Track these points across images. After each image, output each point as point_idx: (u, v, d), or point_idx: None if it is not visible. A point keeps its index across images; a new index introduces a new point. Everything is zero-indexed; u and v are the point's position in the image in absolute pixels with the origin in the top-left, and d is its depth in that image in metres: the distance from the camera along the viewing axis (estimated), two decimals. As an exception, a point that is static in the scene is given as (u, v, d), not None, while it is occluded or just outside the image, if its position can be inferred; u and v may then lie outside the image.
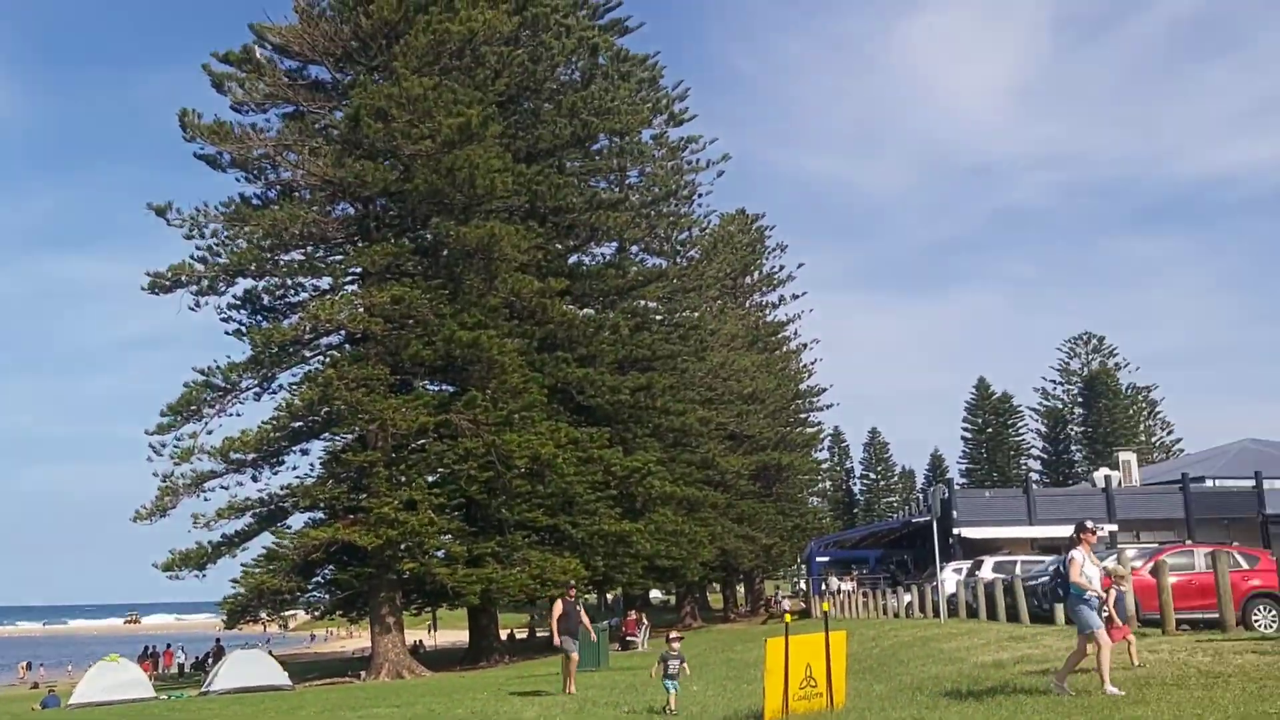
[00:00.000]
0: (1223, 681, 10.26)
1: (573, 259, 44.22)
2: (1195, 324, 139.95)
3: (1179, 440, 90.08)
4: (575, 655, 18.50)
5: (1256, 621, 19.42)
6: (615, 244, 46.60)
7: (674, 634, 14.02)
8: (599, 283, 43.05)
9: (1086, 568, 10.71)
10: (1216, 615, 15.77)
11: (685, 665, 13.95)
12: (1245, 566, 20.77)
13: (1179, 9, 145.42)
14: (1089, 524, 11.14)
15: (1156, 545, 27.42)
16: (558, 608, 18.76)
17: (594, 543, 36.48)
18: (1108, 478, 51.21)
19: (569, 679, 18.29)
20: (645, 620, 37.89)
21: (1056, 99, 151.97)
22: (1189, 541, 32.38)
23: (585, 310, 42.80)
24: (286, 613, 38.17)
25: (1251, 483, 46.20)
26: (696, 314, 50.06)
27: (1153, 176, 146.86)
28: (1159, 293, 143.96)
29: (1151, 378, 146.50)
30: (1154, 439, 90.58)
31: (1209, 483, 48.07)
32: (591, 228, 42.21)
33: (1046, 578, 22.03)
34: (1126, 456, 56.87)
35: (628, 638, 35.04)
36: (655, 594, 71.48)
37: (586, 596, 48.76)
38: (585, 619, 19.29)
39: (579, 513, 36.44)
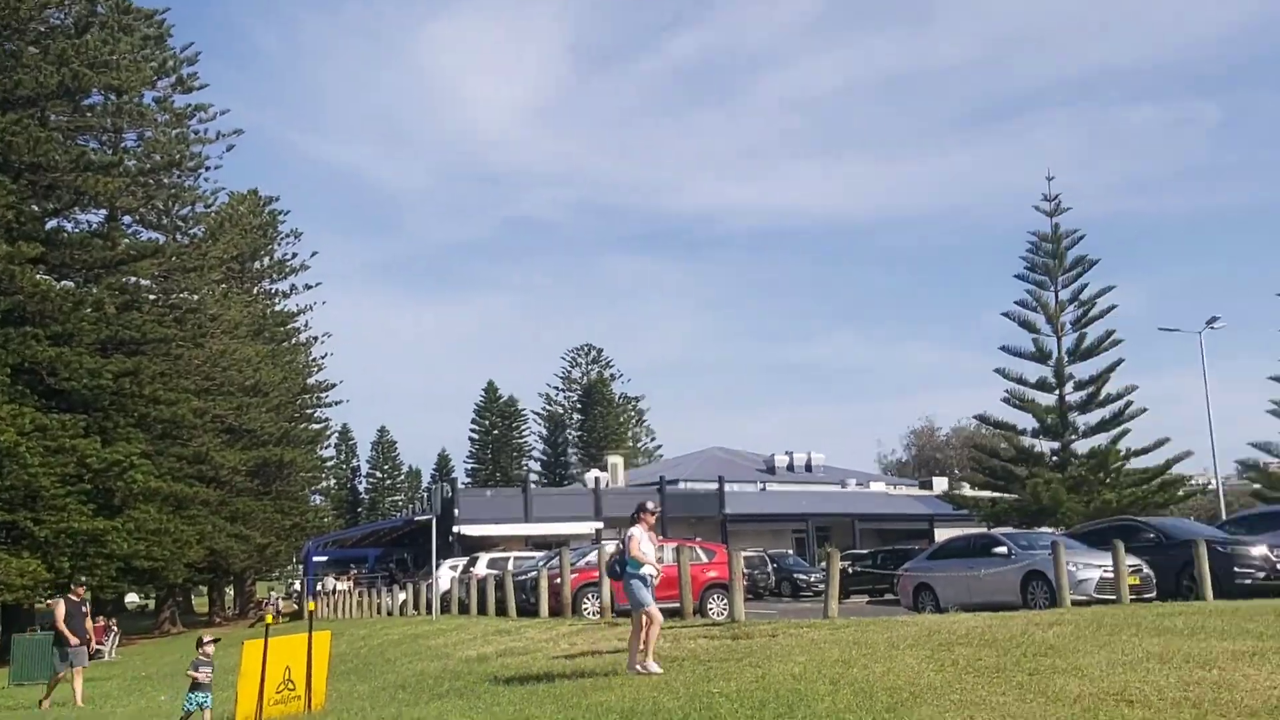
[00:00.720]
0: (678, 664, 11.20)
1: (51, 224, 39.35)
2: (679, 342, 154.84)
3: (660, 446, 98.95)
4: (85, 664, 16.63)
5: (710, 609, 21.63)
6: (105, 212, 42.18)
7: (207, 637, 12.52)
8: (82, 253, 38.67)
9: (644, 545, 11.04)
10: (679, 604, 17.27)
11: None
12: (705, 560, 23.14)
13: (683, 55, 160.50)
14: (650, 505, 11.53)
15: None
16: (61, 609, 16.58)
17: (60, 541, 32.71)
18: (597, 479, 54.99)
19: (75, 692, 16.46)
20: (115, 627, 34.59)
21: (571, 121, 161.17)
22: (661, 538, 35.37)
23: (64, 282, 38.26)
24: None
25: (715, 485, 51.82)
26: (196, 296, 46.59)
27: (651, 205, 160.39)
28: (650, 311, 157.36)
29: (641, 388, 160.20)
30: (639, 444, 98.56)
31: (681, 485, 53.23)
32: (76, 190, 37.82)
33: (534, 573, 23.08)
34: (615, 460, 61.45)
35: (96, 646, 31.73)
36: (131, 597, 65.63)
37: (47, 603, 43.55)
38: (89, 624, 17.29)
39: (44, 508, 32.51)
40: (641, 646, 11.00)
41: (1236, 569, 18.37)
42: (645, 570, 11.02)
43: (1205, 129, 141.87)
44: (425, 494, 61.08)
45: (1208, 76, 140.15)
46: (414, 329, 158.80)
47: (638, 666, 10.82)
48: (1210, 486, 42.89)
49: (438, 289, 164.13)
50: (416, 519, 44.71)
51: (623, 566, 11.14)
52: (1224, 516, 28.34)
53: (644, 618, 10.91)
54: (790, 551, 46.10)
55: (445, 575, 30.45)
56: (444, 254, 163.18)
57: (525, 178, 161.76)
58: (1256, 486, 43.33)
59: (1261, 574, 18.52)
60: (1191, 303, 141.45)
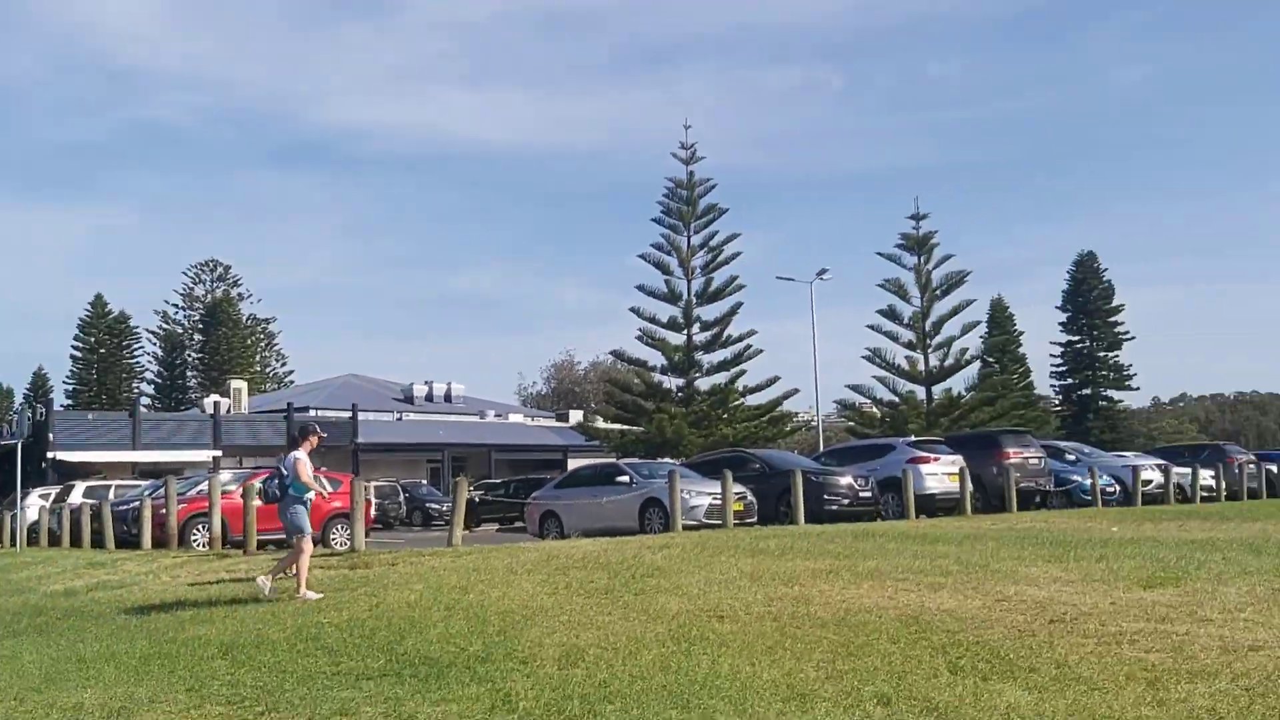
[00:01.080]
0: (288, 596, 10.72)
1: None
2: (318, 264, 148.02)
3: (292, 372, 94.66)
4: None
5: (334, 540, 21.03)
6: None
7: None
8: None
9: (309, 470, 10.88)
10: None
11: None
12: (330, 490, 22.38)
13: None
14: (317, 427, 11.57)
15: (250, 470, 28.33)
16: None
17: None
18: (217, 404, 51.91)
19: None
20: None
21: (207, 20, 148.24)
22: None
23: None
24: None
25: (349, 414, 50.50)
26: None
27: (294, 118, 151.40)
28: (288, 231, 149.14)
29: (273, 310, 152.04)
30: (269, 369, 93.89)
31: (312, 413, 51.36)
32: None
33: (136, 502, 21.39)
34: (238, 385, 58.26)
35: None
36: None
37: None
38: None
39: None
40: (293, 573, 10.87)
41: (826, 496, 20.38)
42: (310, 496, 10.94)
43: (830, 94, 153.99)
44: (14, 416, 55.00)
45: (834, 44, 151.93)
46: (11, 234, 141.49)
47: (301, 595, 10.49)
48: (813, 423, 47.19)
49: (41, 192, 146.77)
50: (2, 442, 40.23)
51: (284, 490, 10.90)
52: (822, 450, 31.26)
53: (301, 543, 10.84)
54: (424, 481, 45.91)
55: (34, 504, 27.68)
56: (51, 154, 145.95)
57: (152, 78, 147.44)
58: (851, 424, 48.31)
59: (845, 501, 20.68)
60: (806, 256, 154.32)
